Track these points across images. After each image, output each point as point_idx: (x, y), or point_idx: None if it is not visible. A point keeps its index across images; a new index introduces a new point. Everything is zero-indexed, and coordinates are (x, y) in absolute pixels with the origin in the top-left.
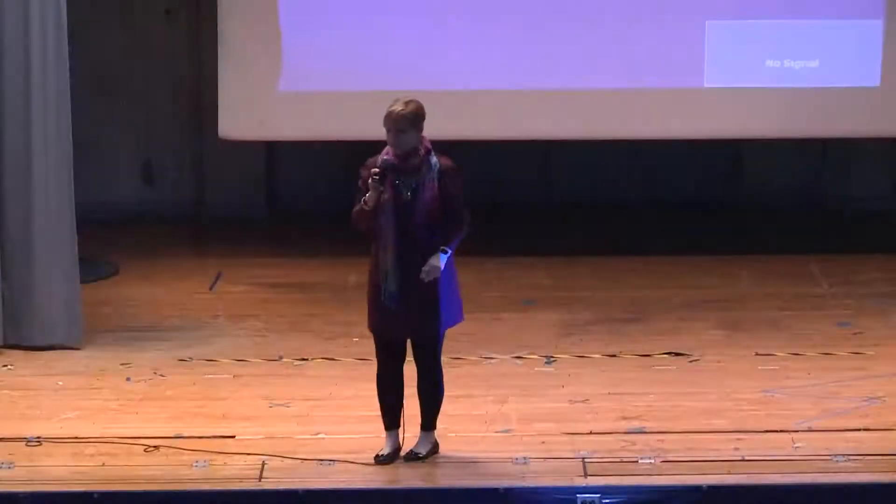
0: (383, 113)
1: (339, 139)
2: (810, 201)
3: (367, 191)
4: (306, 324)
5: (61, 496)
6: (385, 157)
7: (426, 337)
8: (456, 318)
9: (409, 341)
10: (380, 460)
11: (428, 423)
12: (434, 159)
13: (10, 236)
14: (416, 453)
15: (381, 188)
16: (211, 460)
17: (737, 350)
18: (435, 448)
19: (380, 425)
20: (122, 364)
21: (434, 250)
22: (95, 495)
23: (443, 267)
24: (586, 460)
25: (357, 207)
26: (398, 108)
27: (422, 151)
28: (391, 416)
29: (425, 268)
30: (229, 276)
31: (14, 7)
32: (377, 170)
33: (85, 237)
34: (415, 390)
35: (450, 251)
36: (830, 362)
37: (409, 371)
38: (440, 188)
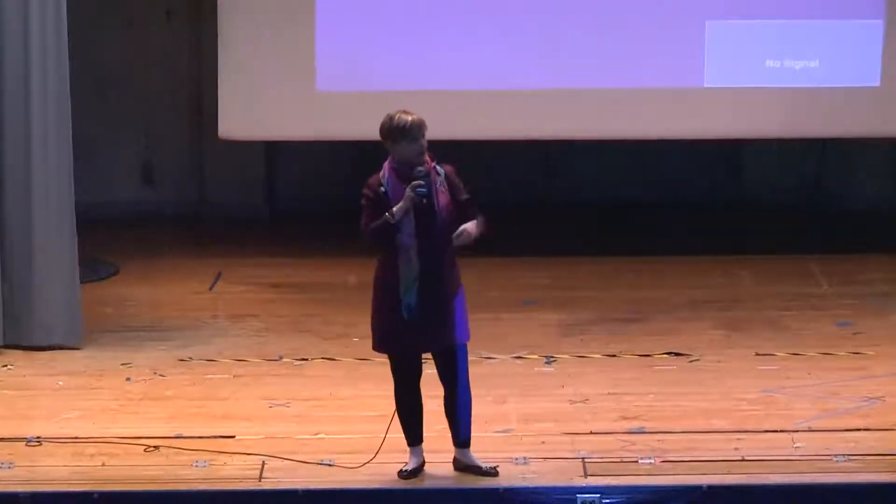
0: (384, 114)
1: (339, 139)
2: (810, 201)
3: (376, 208)
4: (306, 324)
5: (61, 496)
6: (420, 168)
7: (445, 343)
8: (466, 334)
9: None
10: (404, 475)
11: (469, 435)
12: (438, 166)
13: (10, 236)
14: (491, 467)
15: (425, 199)
16: (211, 460)
17: (737, 350)
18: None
19: (380, 426)
20: (122, 364)
21: (451, 258)
22: (95, 495)
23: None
24: (586, 460)
25: (377, 224)
26: (414, 116)
27: (427, 158)
28: (416, 432)
29: (457, 233)
30: (229, 276)
31: (14, 8)
32: (420, 181)
33: (85, 237)
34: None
35: (480, 225)
36: (830, 362)
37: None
38: (451, 193)
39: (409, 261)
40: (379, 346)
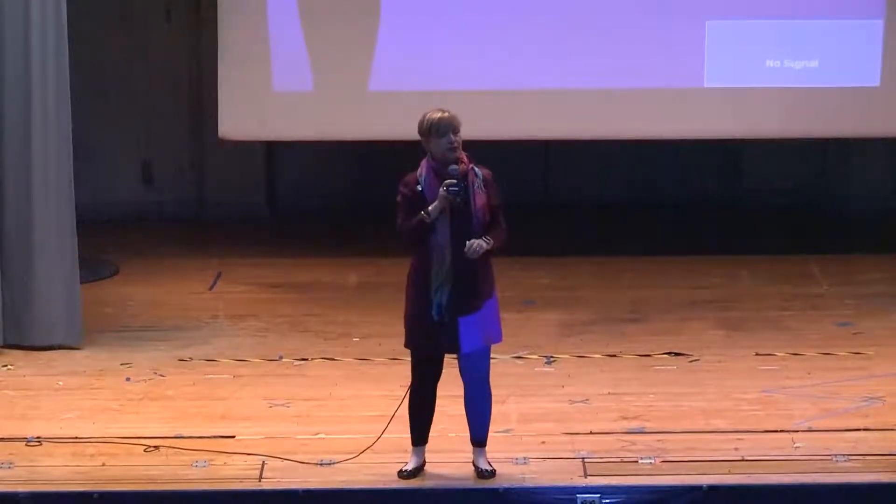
0: (383, 114)
1: (339, 139)
2: (810, 201)
3: (412, 207)
4: (306, 324)
5: (61, 496)
6: (453, 167)
7: (472, 346)
8: (499, 337)
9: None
10: (404, 475)
11: (485, 436)
12: (476, 168)
13: (10, 237)
14: (488, 470)
15: (459, 198)
16: (211, 460)
17: (737, 350)
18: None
19: (380, 425)
20: (122, 364)
21: (486, 260)
22: (95, 495)
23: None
24: (586, 460)
25: (413, 221)
26: (446, 112)
27: (465, 158)
28: (422, 432)
29: (469, 243)
30: (229, 276)
31: (14, 7)
32: (453, 180)
33: (85, 237)
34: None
35: (492, 242)
36: (830, 362)
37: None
38: (487, 196)
39: (443, 261)
40: (407, 342)
